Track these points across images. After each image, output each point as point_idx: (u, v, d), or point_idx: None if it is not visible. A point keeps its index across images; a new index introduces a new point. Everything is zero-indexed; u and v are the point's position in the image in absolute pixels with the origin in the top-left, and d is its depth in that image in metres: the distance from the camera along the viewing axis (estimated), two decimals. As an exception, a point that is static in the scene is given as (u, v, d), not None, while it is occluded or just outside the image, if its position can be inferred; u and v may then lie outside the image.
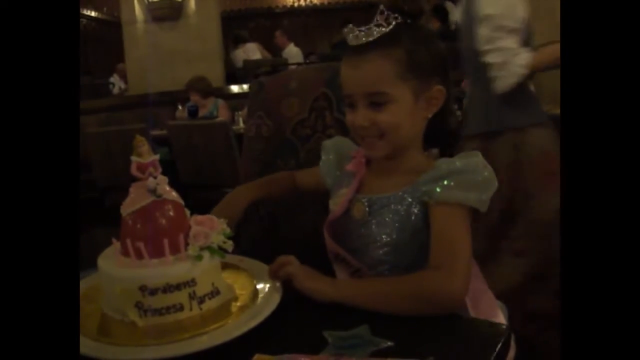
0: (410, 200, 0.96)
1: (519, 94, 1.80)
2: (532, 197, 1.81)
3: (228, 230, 0.88)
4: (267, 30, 8.01)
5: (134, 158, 0.85)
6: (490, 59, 1.76)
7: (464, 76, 3.16)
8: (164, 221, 0.84)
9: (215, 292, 0.86)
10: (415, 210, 0.96)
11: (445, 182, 0.92)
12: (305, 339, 0.77)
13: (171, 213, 0.86)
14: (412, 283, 0.87)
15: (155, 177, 0.85)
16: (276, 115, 1.43)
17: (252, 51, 6.25)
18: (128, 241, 0.83)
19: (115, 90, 6.95)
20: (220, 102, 4.49)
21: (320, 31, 9.51)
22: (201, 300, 0.83)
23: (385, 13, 0.94)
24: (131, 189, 0.87)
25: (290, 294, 0.88)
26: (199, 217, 0.88)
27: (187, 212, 0.89)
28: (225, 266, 0.94)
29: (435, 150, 1.04)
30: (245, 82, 5.28)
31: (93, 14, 9.70)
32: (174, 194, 0.87)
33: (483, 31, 1.74)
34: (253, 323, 0.79)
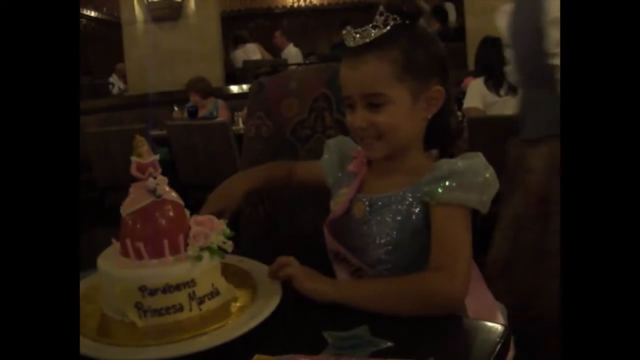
0: (411, 200, 0.96)
1: None
2: None
3: (228, 231, 0.88)
4: (267, 31, 8.01)
5: (133, 158, 0.85)
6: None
7: (465, 76, 3.15)
8: (163, 221, 0.84)
9: (215, 293, 0.86)
10: (416, 211, 0.96)
11: (447, 183, 0.92)
12: (305, 340, 0.77)
13: (171, 213, 0.85)
14: (412, 284, 0.87)
15: (155, 178, 0.85)
16: (276, 116, 1.43)
17: (252, 52, 6.25)
18: (128, 241, 0.83)
19: (115, 91, 6.95)
20: (220, 102, 4.49)
21: (319, 32, 9.51)
22: (201, 301, 0.83)
23: (385, 14, 0.95)
24: (131, 189, 0.87)
25: (290, 295, 0.88)
26: (199, 218, 0.88)
27: (187, 212, 0.89)
28: (225, 267, 0.94)
29: (434, 151, 1.04)
30: (244, 83, 5.28)
31: (93, 14, 9.71)
32: (173, 195, 0.87)
33: (555, 34, 1.70)
34: (253, 323, 0.79)
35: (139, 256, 0.83)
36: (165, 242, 0.83)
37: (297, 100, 1.41)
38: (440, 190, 0.92)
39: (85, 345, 0.75)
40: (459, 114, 3.01)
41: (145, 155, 0.85)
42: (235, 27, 7.37)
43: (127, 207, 0.85)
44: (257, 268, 0.96)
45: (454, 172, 0.93)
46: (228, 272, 0.94)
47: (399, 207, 0.97)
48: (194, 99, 4.37)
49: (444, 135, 1.04)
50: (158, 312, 0.80)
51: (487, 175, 0.93)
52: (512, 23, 1.92)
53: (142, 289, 0.80)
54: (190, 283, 0.82)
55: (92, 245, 1.01)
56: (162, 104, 4.82)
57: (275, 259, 0.94)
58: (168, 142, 3.66)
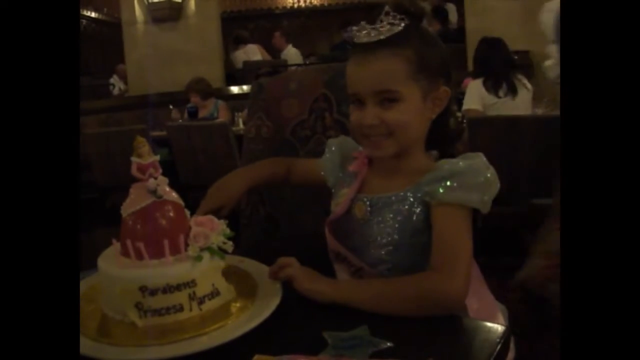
0: (412, 200, 0.96)
1: None
2: None
3: (228, 231, 0.88)
4: (267, 31, 8.01)
5: (134, 159, 0.85)
6: None
7: (465, 77, 3.15)
8: (164, 222, 0.85)
9: (215, 293, 0.86)
10: (417, 211, 0.96)
11: (448, 183, 0.92)
12: (305, 340, 0.77)
13: (171, 214, 0.86)
14: (413, 284, 0.87)
15: (155, 178, 0.86)
16: (276, 116, 1.44)
17: (252, 52, 6.25)
18: (128, 242, 0.83)
19: (115, 91, 6.95)
20: (221, 103, 4.49)
21: (319, 32, 9.52)
22: (201, 301, 0.83)
23: (391, 14, 0.95)
24: (131, 190, 0.87)
25: (290, 295, 0.88)
26: (199, 218, 0.88)
27: (187, 212, 0.90)
28: (225, 267, 0.94)
29: (434, 152, 1.04)
30: (245, 83, 5.28)
31: (93, 14, 9.71)
32: (174, 195, 0.87)
33: None
34: (253, 324, 0.79)
35: (140, 256, 0.83)
36: (166, 242, 0.83)
37: (297, 101, 1.42)
38: (441, 190, 0.92)
39: (86, 345, 0.75)
40: (459, 114, 3.00)
41: (145, 156, 0.85)
42: (235, 28, 7.37)
43: (128, 208, 0.85)
44: (257, 268, 0.96)
45: (455, 172, 0.93)
46: (228, 272, 0.94)
47: (400, 207, 0.97)
48: (195, 100, 4.37)
49: (444, 136, 1.04)
50: (158, 312, 0.80)
51: (488, 175, 0.93)
52: (558, 19, 1.91)
53: (143, 289, 0.80)
54: (191, 283, 0.82)
55: (93, 245, 1.01)
56: (162, 104, 4.82)
57: (276, 259, 0.94)
58: (168, 142, 3.67)
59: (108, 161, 3.66)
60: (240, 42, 6.37)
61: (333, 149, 1.15)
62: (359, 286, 0.94)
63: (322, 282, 0.90)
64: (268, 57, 6.45)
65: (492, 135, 2.59)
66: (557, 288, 0.68)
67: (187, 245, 0.85)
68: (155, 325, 0.80)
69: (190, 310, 0.82)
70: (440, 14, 5.16)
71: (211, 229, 0.86)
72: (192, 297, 0.82)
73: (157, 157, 0.87)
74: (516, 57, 4.20)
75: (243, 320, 0.81)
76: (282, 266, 0.92)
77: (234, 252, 0.89)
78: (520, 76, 3.09)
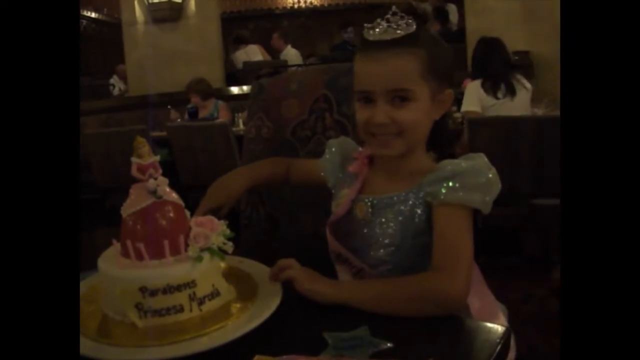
0: (413, 200, 0.96)
1: None
2: None
3: (228, 232, 0.88)
4: (267, 32, 8.01)
5: (134, 159, 0.85)
6: None
7: (465, 77, 3.14)
8: (164, 222, 0.85)
9: (215, 294, 0.86)
10: (419, 211, 0.96)
11: (450, 184, 0.92)
12: (305, 340, 0.77)
13: (171, 214, 0.86)
14: (414, 284, 0.87)
15: (155, 179, 0.86)
16: (276, 117, 1.44)
17: (253, 53, 6.24)
18: (128, 242, 0.83)
19: (115, 92, 6.95)
20: (221, 103, 4.50)
21: (319, 33, 9.51)
22: (201, 302, 0.83)
23: (399, 14, 0.94)
24: (131, 190, 0.87)
25: (291, 295, 0.88)
26: (200, 219, 0.88)
27: (188, 213, 0.90)
28: (225, 267, 0.94)
29: (431, 154, 1.04)
30: (245, 84, 5.28)
31: (93, 15, 9.71)
32: (174, 195, 0.87)
33: None
34: (253, 324, 0.79)
35: (140, 257, 0.83)
36: (166, 242, 0.83)
37: (297, 101, 1.42)
38: (443, 190, 0.92)
39: (86, 346, 0.75)
40: (458, 115, 2.99)
41: (145, 156, 0.85)
42: (235, 28, 7.37)
43: (128, 208, 0.85)
44: (257, 269, 0.96)
45: (457, 173, 0.93)
46: (228, 273, 0.94)
47: (402, 207, 0.97)
48: (195, 100, 4.37)
49: (443, 137, 1.04)
50: (158, 313, 0.80)
51: (490, 175, 0.93)
52: None
53: (143, 289, 0.80)
54: (191, 284, 0.82)
55: (93, 246, 1.01)
56: (162, 105, 4.82)
57: (276, 259, 0.94)
58: (168, 143, 3.67)
59: (108, 161, 3.66)
60: (241, 42, 6.35)
61: (333, 149, 1.15)
62: (360, 286, 0.94)
63: (322, 282, 0.90)
64: (269, 58, 6.44)
65: (492, 135, 2.59)
66: None
67: (187, 245, 0.85)
68: (155, 326, 0.80)
69: (191, 310, 0.82)
70: (440, 14, 5.16)
71: (211, 230, 0.86)
72: (192, 298, 0.82)
73: (157, 158, 0.87)
74: (516, 58, 4.19)
75: (243, 320, 0.81)
76: (282, 268, 0.92)
77: (234, 253, 0.89)
78: (519, 76, 3.07)
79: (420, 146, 1.01)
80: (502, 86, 2.98)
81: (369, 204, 1.01)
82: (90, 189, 3.62)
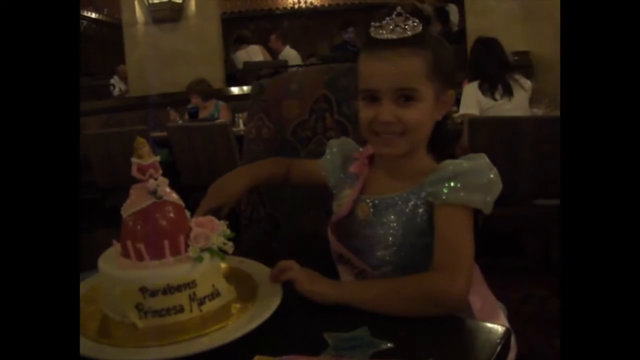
0: (415, 200, 0.96)
1: None
2: None
3: (228, 232, 0.88)
4: (267, 32, 8.01)
5: (134, 160, 0.85)
6: None
7: (465, 77, 3.12)
8: (164, 223, 0.85)
9: (215, 294, 0.86)
10: (420, 211, 0.96)
11: (452, 184, 0.92)
12: (305, 340, 0.77)
13: (172, 214, 0.86)
14: (415, 284, 0.87)
15: (155, 179, 0.86)
16: (276, 117, 1.44)
17: (254, 53, 6.23)
18: (128, 242, 0.83)
19: (116, 92, 6.95)
20: (222, 104, 4.50)
21: (320, 33, 9.51)
22: (201, 302, 0.83)
23: (404, 15, 0.95)
24: (132, 191, 0.87)
25: (291, 296, 0.88)
26: (200, 219, 0.88)
27: (188, 213, 0.90)
28: (225, 268, 0.94)
29: (432, 155, 1.04)
30: (245, 84, 5.28)
31: (93, 15, 9.71)
32: (174, 196, 0.87)
33: None
34: (253, 324, 0.79)
35: (140, 257, 0.83)
36: (166, 243, 0.83)
37: (297, 102, 1.42)
38: (445, 190, 0.92)
39: (86, 346, 0.75)
40: (456, 115, 2.98)
41: (146, 157, 0.85)
42: (235, 28, 7.36)
43: (128, 209, 0.85)
44: (257, 269, 0.96)
45: (459, 173, 0.93)
46: (229, 273, 0.94)
47: (404, 208, 0.97)
48: (195, 101, 4.37)
49: (442, 137, 1.04)
50: (159, 313, 0.81)
51: (492, 175, 0.93)
52: None
53: (143, 290, 0.80)
54: (191, 284, 0.82)
55: (93, 246, 1.01)
56: (162, 105, 4.82)
57: (276, 260, 0.94)
58: (169, 143, 3.67)
59: (108, 162, 3.66)
60: (242, 42, 6.34)
61: (334, 150, 1.15)
62: (360, 287, 0.94)
63: (322, 283, 0.90)
64: (270, 58, 6.44)
65: (492, 136, 2.58)
66: None
67: (187, 246, 0.85)
68: (155, 326, 0.80)
69: (191, 311, 0.82)
70: (441, 14, 5.15)
71: (211, 230, 0.86)
72: (192, 298, 0.82)
73: (158, 158, 0.87)
74: (516, 58, 4.19)
75: (243, 321, 0.81)
76: (282, 269, 0.91)
77: (235, 253, 0.89)
78: (517, 76, 3.04)
79: (422, 146, 1.02)
80: (500, 87, 2.96)
81: (371, 204, 1.01)
82: (91, 189, 3.62)
